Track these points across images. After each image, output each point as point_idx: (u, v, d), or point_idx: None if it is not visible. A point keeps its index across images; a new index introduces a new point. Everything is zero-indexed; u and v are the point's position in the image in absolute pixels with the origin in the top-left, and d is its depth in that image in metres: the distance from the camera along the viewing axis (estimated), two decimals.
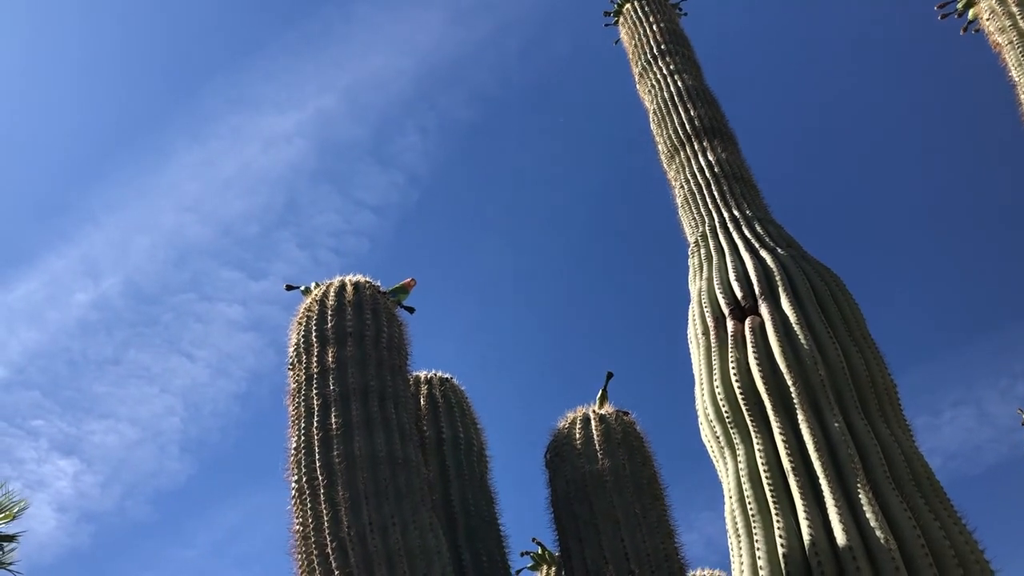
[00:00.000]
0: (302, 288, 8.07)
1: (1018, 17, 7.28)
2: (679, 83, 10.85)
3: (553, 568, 9.95)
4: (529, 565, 10.07)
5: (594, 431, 7.46)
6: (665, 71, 11.06)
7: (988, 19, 7.55)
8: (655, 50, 11.32)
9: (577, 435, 7.47)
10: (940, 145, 26.03)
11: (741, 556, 7.14)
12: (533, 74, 29.53)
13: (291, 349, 7.50)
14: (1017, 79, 7.26)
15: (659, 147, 10.66)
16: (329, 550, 6.29)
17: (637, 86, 11.40)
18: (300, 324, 7.57)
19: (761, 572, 6.87)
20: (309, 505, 6.54)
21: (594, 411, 7.73)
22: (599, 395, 7.96)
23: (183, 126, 29.34)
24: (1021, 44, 7.19)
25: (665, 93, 10.83)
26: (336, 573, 6.20)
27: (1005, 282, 25.42)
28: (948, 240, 26.01)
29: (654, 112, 10.85)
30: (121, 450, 27.20)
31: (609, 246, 28.73)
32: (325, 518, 6.42)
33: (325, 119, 29.05)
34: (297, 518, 6.60)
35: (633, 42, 11.66)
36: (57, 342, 27.56)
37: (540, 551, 10.05)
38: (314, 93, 29.16)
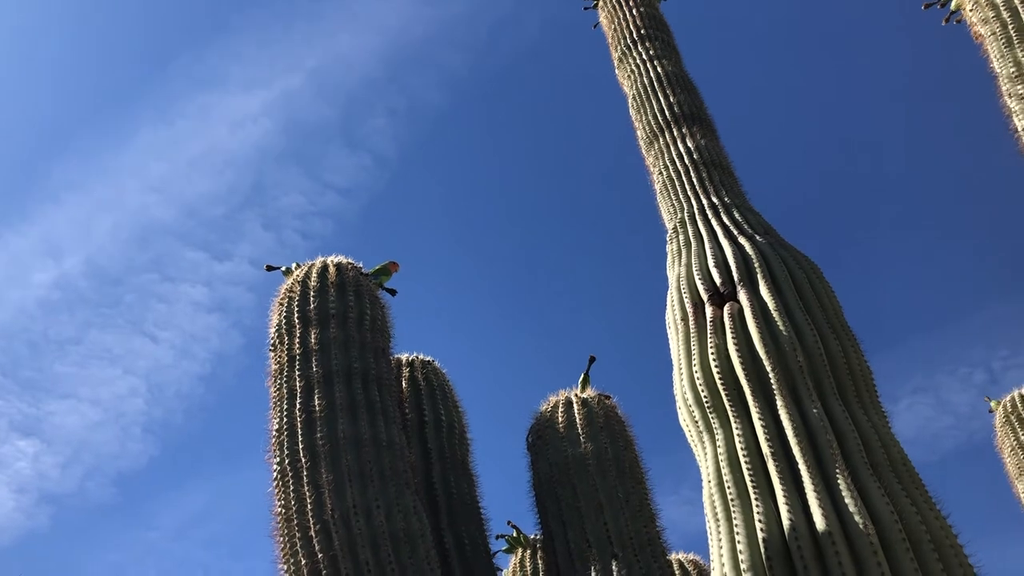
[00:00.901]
0: (283, 269, 7.99)
1: (1001, 8, 7.33)
2: (659, 69, 10.84)
3: (528, 551, 9.95)
4: (504, 548, 10.06)
5: (576, 415, 7.47)
6: (645, 56, 11.04)
7: (971, 10, 7.60)
8: (635, 35, 11.29)
9: (560, 419, 7.48)
10: (914, 135, 26.34)
11: (720, 540, 7.18)
12: (505, 56, 29.40)
13: (272, 330, 7.43)
14: (998, 70, 7.33)
15: (638, 133, 10.65)
16: (312, 533, 6.26)
17: (616, 71, 11.38)
18: (282, 305, 7.49)
19: (741, 556, 6.92)
20: (292, 487, 6.49)
21: (576, 395, 7.74)
22: (581, 379, 7.97)
23: (148, 105, 28.86)
24: (1004, 36, 7.25)
25: (645, 79, 10.82)
26: (319, 556, 6.17)
27: (965, 273, 25.87)
28: (911, 230, 26.38)
29: (633, 98, 10.84)
30: (82, 431, 26.88)
31: (588, 230, 28.78)
32: (308, 500, 6.38)
33: (292, 100, 28.76)
34: (279, 500, 6.55)
35: (613, 27, 11.62)
36: (17, 322, 27.12)
37: (515, 534, 10.05)
38: (281, 73, 28.84)
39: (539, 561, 9.18)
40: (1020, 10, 7.34)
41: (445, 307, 28.49)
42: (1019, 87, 7.14)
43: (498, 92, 29.72)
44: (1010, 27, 7.31)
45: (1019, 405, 10.58)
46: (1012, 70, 7.18)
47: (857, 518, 6.64)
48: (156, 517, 27.42)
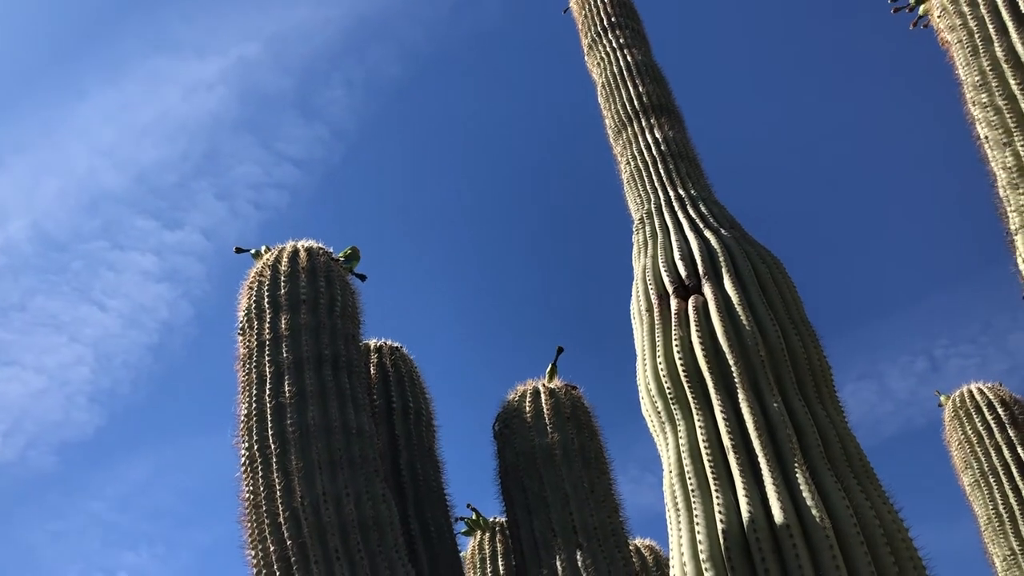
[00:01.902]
0: (252, 251, 7.92)
1: (968, 16, 7.44)
2: (628, 57, 10.87)
3: (487, 534, 10.03)
4: (463, 531, 10.13)
5: (544, 405, 7.54)
6: (615, 44, 11.06)
7: (939, 16, 7.71)
8: (605, 23, 11.30)
9: (527, 408, 7.55)
10: (867, 130, 26.69)
11: (680, 530, 7.31)
12: (468, 32, 29.17)
13: (241, 314, 7.38)
14: (963, 78, 7.44)
15: (607, 122, 10.69)
16: (281, 519, 6.28)
17: (586, 58, 11.38)
18: (251, 288, 7.44)
19: (700, 546, 7.05)
20: (261, 474, 6.49)
21: (544, 385, 7.80)
22: (549, 369, 8.02)
23: (98, 67, 28.18)
24: (970, 44, 7.36)
25: (614, 67, 10.84)
26: (288, 542, 6.19)
27: (908, 264, 26.44)
28: (857, 221, 26.81)
29: (602, 86, 10.86)
30: (25, 399, 26.43)
31: (554, 218, 28.74)
32: (278, 487, 6.39)
33: (248, 67, 28.26)
34: (248, 486, 6.54)
35: (584, 12, 11.61)
36: None
37: (475, 517, 10.12)
38: (237, 39, 28.33)
39: (497, 543, 9.28)
40: (986, 19, 7.45)
41: (410, 292, 28.39)
42: (983, 95, 7.26)
43: (460, 69, 29.53)
44: (976, 36, 7.42)
45: (967, 401, 10.87)
46: (976, 79, 7.31)
47: (814, 512, 6.80)
48: (101, 487, 27.12)
